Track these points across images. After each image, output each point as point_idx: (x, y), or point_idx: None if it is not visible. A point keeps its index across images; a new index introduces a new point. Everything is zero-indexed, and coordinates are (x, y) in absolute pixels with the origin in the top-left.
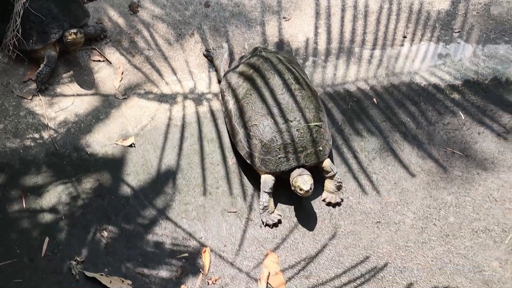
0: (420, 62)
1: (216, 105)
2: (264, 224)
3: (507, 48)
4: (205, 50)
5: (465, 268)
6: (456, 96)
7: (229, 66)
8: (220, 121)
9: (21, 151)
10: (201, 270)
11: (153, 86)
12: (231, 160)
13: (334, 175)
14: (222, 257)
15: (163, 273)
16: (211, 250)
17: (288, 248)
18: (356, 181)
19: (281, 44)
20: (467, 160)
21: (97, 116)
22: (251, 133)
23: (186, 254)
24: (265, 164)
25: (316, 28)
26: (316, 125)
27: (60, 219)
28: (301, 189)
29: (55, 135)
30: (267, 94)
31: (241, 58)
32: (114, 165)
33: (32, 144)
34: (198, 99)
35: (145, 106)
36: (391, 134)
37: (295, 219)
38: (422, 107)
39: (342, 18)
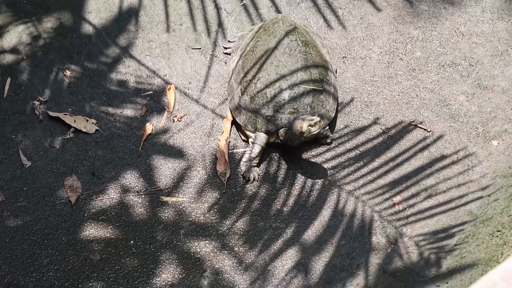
0: None
1: None
2: (242, 174)
3: None
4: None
5: (432, 102)
6: None
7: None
8: None
9: None
10: (166, 107)
11: None
12: None
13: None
14: (187, 94)
15: (128, 111)
16: (176, 88)
17: None
18: (322, 16)
19: None
20: None
21: None
22: (243, 89)
23: (151, 92)
24: (252, 123)
25: None
26: (314, 89)
27: (21, 59)
28: (307, 126)
29: None
30: (269, 52)
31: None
32: (75, 3)
33: None
34: None
35: None
36: None
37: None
38: None
39: None
